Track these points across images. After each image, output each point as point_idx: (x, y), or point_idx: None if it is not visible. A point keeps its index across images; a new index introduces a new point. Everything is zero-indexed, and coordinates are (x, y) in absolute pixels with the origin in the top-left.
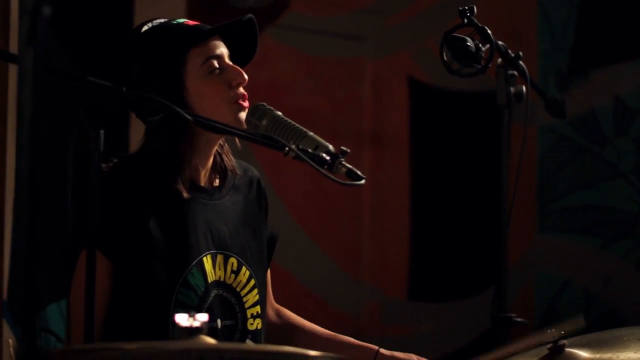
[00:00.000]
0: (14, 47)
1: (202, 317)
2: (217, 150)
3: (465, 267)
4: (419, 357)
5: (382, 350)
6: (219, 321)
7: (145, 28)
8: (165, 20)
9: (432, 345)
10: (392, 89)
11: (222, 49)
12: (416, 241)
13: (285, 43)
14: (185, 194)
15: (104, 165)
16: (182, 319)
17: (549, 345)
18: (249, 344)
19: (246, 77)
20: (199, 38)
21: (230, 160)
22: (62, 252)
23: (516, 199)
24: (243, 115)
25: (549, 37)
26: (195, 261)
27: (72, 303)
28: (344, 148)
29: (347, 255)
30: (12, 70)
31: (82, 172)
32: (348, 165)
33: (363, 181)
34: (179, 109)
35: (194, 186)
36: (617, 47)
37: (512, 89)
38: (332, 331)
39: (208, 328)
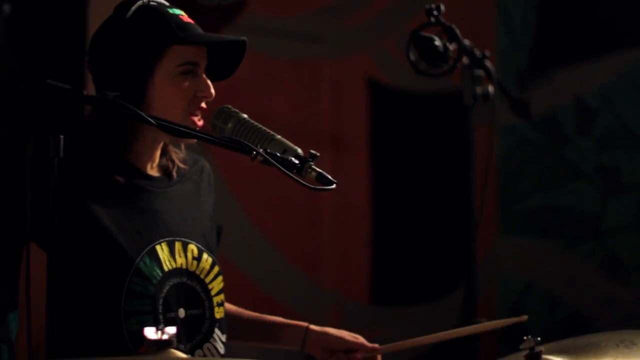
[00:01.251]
0: None
1: (171, 330)
2: (164, 142)
3: (428, 271)
4: (353, 335)
5: (312, 327)
6: (182, 310)
7: (138, 4)
8: (164, 4)
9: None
10: (351, 91)
11: (202, 59)
12: (378, 245)
13: None
14: (122, 180)
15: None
16: (150, 333)
17: (525, 353)
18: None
19: (213, 93)
20: (187, 41)
21: (177, 152)
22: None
23: (478, 201)
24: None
25: (508, 37)
26: (147, 249)
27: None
28: (313, 152)
29: (308, 260)
30: None
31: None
32: (318, 169)
33: (334, 185)
34: (142, 114)
35: (141, 174)
36: (577, 46)
37: (478, 90)
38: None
39: (171, 319)
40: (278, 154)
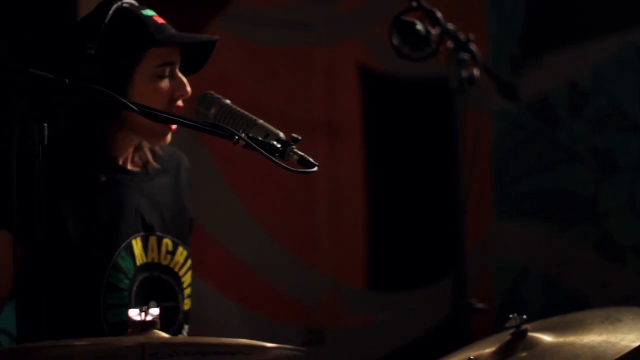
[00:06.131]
0: None
1: (155, 312)
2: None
3: (423, 255)
4: None
5: None
6: (153, 303)
7: (114, 7)
8: (136, 5)
9: (393, 334)
10: (343, 78)
11: (177, 57)
12: (373, 229)
13: (232, 33)
14: (103, 178)
15: None
16: (134, 314)
17: (511, 331)
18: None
19: (189, 90)
20: (165, 42)
21: (145, 146)
22: None
23: (472, 185)
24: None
25: (498, 21)
26: (125, 244)
27: None
28: (295, 135)
29: (303, 245)
30: None
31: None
32: (300, 152)
33: (316, 168)
34: (126, 101)
35: (120, 169)
36: (568, 29)
37: (463, 73)
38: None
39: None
40: (260, 138)
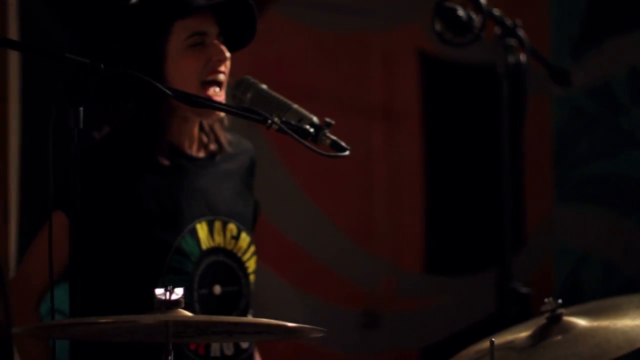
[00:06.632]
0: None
1: (180, 291)
2: (202, 120)
3: (481, 240)
4: None
5: None
6: (217, 287)
7: None
8: None
9: (450, 319)
10: (402, 63)
11: (210, 27)
12: (431, 214)
13: (291, 18)
14: (166, 162)
15: (96, 133)
16: (160, 292)
17: (546, 315)
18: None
19: (228, 55)
20: (187, 12)
21: (224, 133)
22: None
23: (533, 170)
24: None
25: (560, 5)
26: (188, 228)
27: (27, 261)
28: (328, 120)
29: (361, 230)
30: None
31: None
32: (332, 136)
33: (347, 152)
34: (157, 84)
35: (183, 154)
36: (630, 14)
37: (510, 59)
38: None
39: (204, 295)
40: (293, 122)
